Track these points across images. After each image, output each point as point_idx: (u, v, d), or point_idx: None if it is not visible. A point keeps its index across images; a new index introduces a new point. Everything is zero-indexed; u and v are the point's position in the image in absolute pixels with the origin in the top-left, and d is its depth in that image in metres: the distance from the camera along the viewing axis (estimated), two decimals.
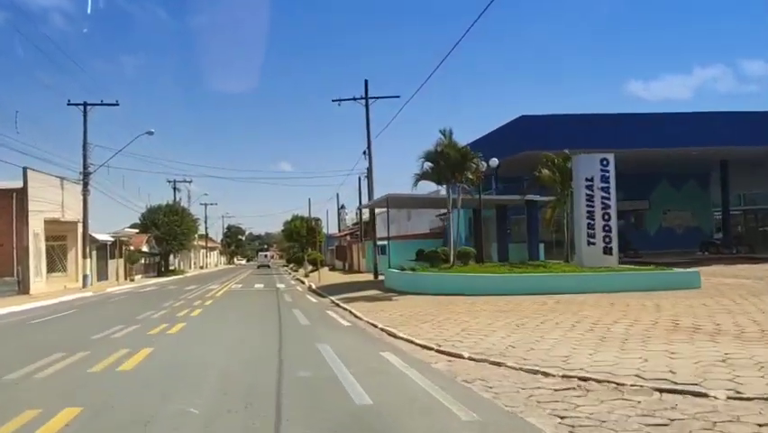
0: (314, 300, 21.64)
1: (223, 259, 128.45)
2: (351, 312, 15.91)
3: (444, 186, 25.62)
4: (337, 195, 60.65)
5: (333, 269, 51.77)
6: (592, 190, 19.31)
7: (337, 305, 18.61)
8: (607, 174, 19.38)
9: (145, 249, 59.68)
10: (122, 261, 45.50)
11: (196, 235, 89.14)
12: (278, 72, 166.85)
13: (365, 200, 37.64)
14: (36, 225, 29.39)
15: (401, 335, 10.88)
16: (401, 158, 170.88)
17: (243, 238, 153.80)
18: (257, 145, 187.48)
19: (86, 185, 33.58)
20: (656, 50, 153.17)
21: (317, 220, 32.99)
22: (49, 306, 21.93)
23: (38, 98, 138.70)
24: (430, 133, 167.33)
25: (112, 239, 41.99)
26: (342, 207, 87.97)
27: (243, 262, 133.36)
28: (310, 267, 49.85)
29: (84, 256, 33.44)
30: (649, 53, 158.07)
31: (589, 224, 19.26)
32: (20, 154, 61.46)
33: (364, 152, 31.17)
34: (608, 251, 19.23)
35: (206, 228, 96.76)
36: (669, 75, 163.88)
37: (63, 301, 24.21)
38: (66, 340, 11.92)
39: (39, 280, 29.46)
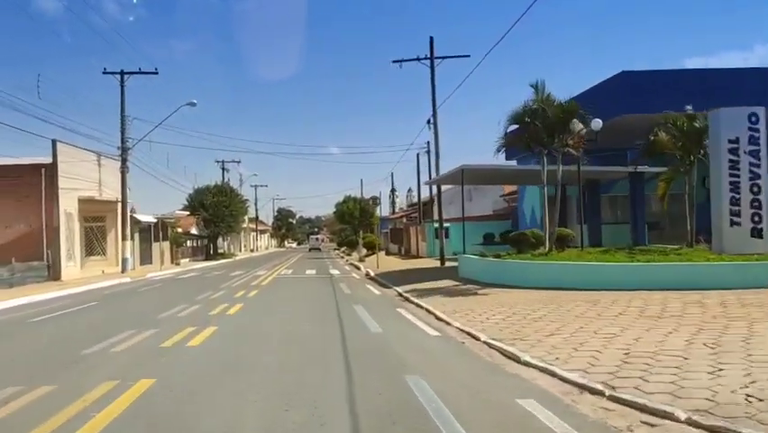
0: (376, 292, 18.02)
1: (273, 242, 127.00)
2: (430, 312, 12.19)
3: (526, 160, 21.62)
4: (391, 174, 56.91)
5: (387, 253, 48.25)
6: (737, 155, 14.89)
7: (407, 300, 14.94)
8: (756, 135, 14.92)
9: (194, 231, 57.59)
10: (167, 244, 43.10)
11: (245, 218, 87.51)
12: (326, 52, 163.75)
13: (425, 178, 33.82)
14: (69, 204, 26.75)
15: (532, 361, 7.04)
16: (459, 136, 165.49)
17: (294, 222, 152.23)
18: (305, 128, 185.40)
19: (124, 161, 30.86)
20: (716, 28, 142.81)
21: (375, 199, 29.11)
22: (67, 297, 19.03)
23: (89, 78, 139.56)
24: (491, 107, 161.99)
25: (155, 220, 39.46)
26: (393, 190, 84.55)
27: (294, 245, 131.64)
28: (365, 251, 46.48)
29: (123, 238, 30.82)
30: (709, 31, 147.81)
31: (733, 198, 14.87)
32: (70, 133, 59.93)
33: (429, 121, 27.28)
34: (756, 233, 14.83)
35: (257, 211, 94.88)
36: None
37: (90, 290, 21.36)
38: (25, 366, 8.60)
39: (71, 265, 26.88)
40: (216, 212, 51.61)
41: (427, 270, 25.11)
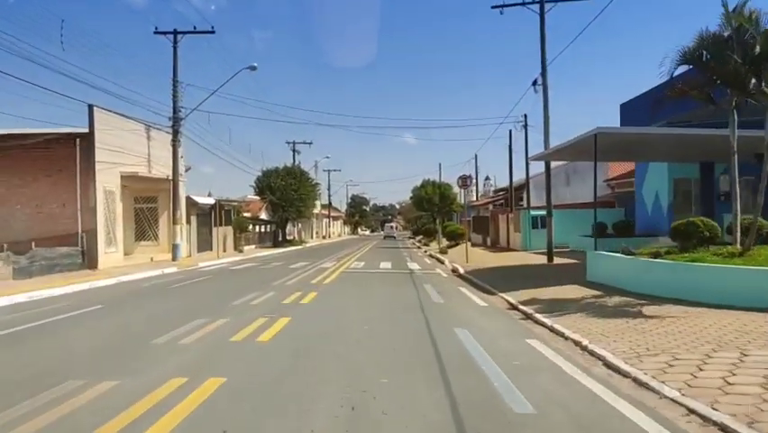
0: (478, 301, 12.92)
1: (346, 229, 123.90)
2: (594, 353, 7.07)
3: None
4: (475, 157, 51.38)
5: (471, 244, 43.07)
6: None
7: (532, 319, 9.84)
8: None
9: (264, 216, 54.34)
10: (229, 229, 39.61)
11: (317, 202, 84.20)
12: (400, 39, 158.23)
13: (517, 157, 28.39)
14: (109, 181, 23.18)
15: None
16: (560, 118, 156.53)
17: (368, 209, 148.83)
18: (380, 115, 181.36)
19: (175, 132, 27.10)
20: None
21: (467, 179, 23.70)
22: (72, 295, 15.08)
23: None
24: (597, 84, 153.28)
25: (213, 202, 35.90)
26: (486, 177, 78.43)
27: (367, 232, 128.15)
28: (445, 241, 41.43)
29: (174, 222, 27.14)
30: None
31: None
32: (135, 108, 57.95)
33: (535, 82, 21.73)
34: None
35: (329, 196, 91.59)
36: None
37: (113, 285, 17.41)
38: None
39: (112, 251, 23.34)
40: (284, 195, 47.91)
41: (532, 267, 19.83)
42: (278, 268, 23.05)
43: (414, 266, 24.08)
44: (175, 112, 26.85)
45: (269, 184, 48.49)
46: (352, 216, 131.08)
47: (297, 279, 17.87)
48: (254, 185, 49.03)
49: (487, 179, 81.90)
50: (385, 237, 79.74)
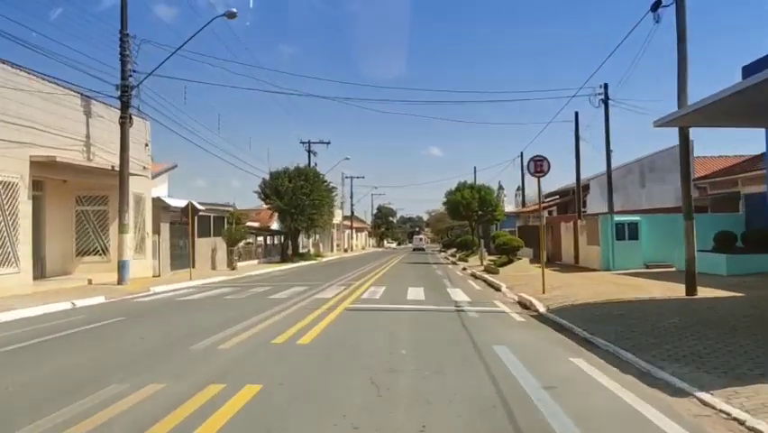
0: (661, 421, 4.82)
1: (371, 241, 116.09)
2: None
3: None
4: (520, 156, 43.13)
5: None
6: None
7: None
8: None
9: (275, 227, 46.85)
10: (220, 240, 32.04)
11: (336, 211, 76.48)
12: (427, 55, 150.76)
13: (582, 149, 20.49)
14: (4, 168, 15.68)
15: None
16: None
17: (395, 221, 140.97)
18: (407, 129, 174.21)
19: (125, 106, 19.56)
20: None
21: (542, 159, 15.47)
22: None
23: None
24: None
25: (200, 208, 28.33)
26: (501, 188, 70.79)
27: (393, 245, 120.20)
28: (488, 255, 33.31)
29: (121, 230, 19.54)
30: None
31: None
32: None
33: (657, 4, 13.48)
34: None
35: (352, 205, 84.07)
36: None
37: None
38: None
39: (9, 273, 15.75)
40: (294, 201, 40.25)
41: (674, 306, 11.55)
42: (250, 300, 15.22)
43: (459, 295, 16.03)
44: (123, 77, 19.31)
45: (275, 188, 40.95)
46: (377, 228, 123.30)
47: (256, 329, 9.81)
48: (259, 189, 41.51)
49: (519, 189, 73.57)
50: (414, 249, 79.39)
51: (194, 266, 28.16)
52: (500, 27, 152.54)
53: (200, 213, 28.99)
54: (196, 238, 28.89)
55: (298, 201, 40.31)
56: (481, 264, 31.47)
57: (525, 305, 13.45)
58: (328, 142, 52.64)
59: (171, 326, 10.79)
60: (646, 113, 73.85)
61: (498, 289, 17.98)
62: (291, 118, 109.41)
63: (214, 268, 30.83)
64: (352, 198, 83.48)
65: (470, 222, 40.25)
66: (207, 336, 9.08)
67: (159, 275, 24.14)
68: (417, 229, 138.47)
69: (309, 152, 51.83)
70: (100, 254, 21.53)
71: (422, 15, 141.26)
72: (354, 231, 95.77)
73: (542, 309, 12.17)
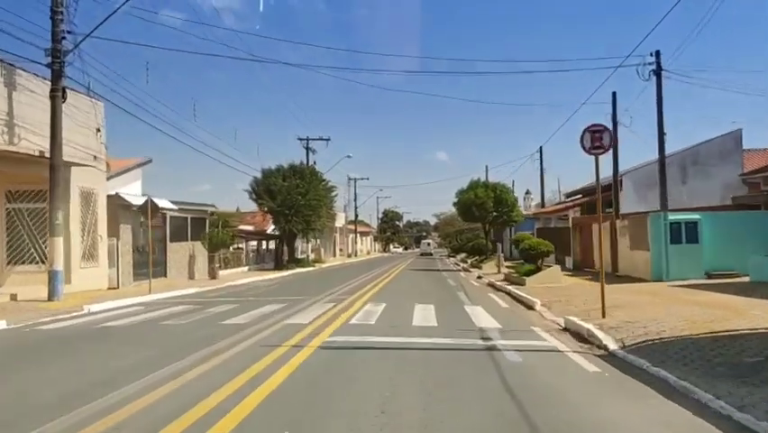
0: None
1: (377, 246, 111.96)
2: None
3: None
4: (540, 151, 39.06)
5: (514, 266, 30.62)
6: None
7: None
8: None
9: (272, 230, 42.90)
10: (198, 245, 28.04)
11: (340, 213, 72.49)
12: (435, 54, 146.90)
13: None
14: None
15: None
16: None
17: (401, 225, 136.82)
18: (413, 134, 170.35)
19: (57, 76, 15.59)
20: None
21: (603, 129, 11.57)
22: None
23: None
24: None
25: (170, 207, 24.39)
26: (528, 192, 67.00)
27: (400, 250, 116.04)
28: (505, 263, 29.25)
29: (53, 233, 15.56)
30: None
31: None
32: None
33: None
34: None
35: (356, 208, 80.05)
36: None
37: None
38: None
39: None
40: (288, 201, 36.25)
41: None
42: (195, 327, 11.15)
43: (482, 318, 11.92)
44: (55, 39, 15.36)
45: (268, 187, 36.99)
46: (383, 232, 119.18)
47: (121, 413, 5.79)
48: (250, 189, 37.55)
49: (527, 193, 69.86)
50: (422, 254, 78.62)
51: (166, 275, 24.21)
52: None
53: (173, 213, 25.05)
54: (168, 242, 24.93)
55: (293, 202, 36.30)
56: (498, 272, 27.35)
57: (580, 336, 9.36)
58: (328, 139, 48.64)
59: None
60: (692, 82, 68.79)
61: (530, 306, 13.88)
62: (291, 115, 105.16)
63: (192, 277, 26.85)
64: (356, 200, 79.66)
65: (484, 224, 36.07)
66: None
67: (117, 286, 20.17)
68: (425, 234, 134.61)
69: (307, 149, 47.88)
70: (36, 263, 17.58)
71: None
72: (359, 235, 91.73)
73: (612, 346, 8.10)
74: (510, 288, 18.50)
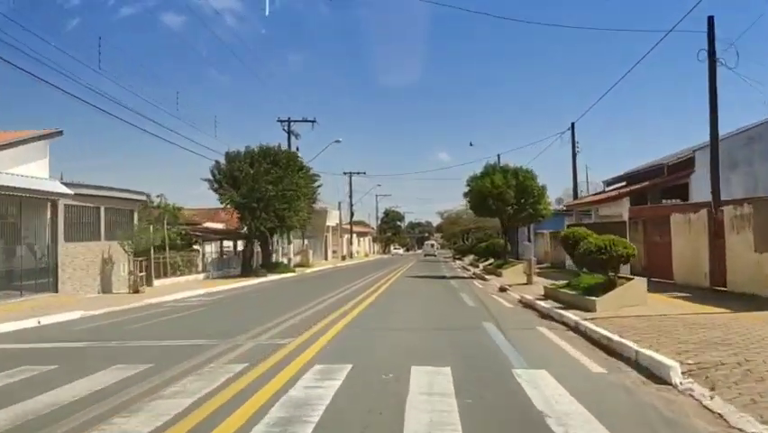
0: None
1: (376, 247, 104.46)
2: None
3: None
4: (571, 128, 31.60)
5: (546, 273, 22.93)
6: None
7: None
8: None
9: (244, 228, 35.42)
10: (118, 248, 20.59)
11: (333, 211, 65.02)
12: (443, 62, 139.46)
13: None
14: None
15: None
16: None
17: (402, 225, 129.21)
18: (419, 135, 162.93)
19: None
20: None
21: None
22: None
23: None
24: None
25: (65, 191, 17.00)
26: (544, 187, 59.04)
27: (401, 251, 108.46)
28: (535, 270, 21.78)
29: None
30: None
31: None
32: None
33: None
34: None
35: (351, 206, 72.62)
36: None
37: None
38: None
39: None
40: (255, 191, 28.88)
41: None
42: None
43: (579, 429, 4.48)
44: None
45: (231, 173, 29.61)
46: (383, 233, 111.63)
47: None
48: (211, 176, 30.11)
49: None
50: (425, 255, 75.55)
51: (57, 289, 16.77)
52: None
53: (70, 201, 17.66)
54: (61, 243, 17.50)
55: (262, 192, 28.88)
56: (528, 282, 19.96)
57: None
58: (313, 121, 41.20)
59: None
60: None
61: (663, 380, 6.41)
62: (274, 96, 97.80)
63: (107, 291, 19.46)
64: (351, 196, 72.21)
65: (503, 219, 28.57)
66: None
67: None
68: (427, 234, 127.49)
69: (289, 132, 40.49)
70: None
71: None
72: (356, 236, 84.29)
73: None
74: (570, 315, 11.07)
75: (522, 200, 27.69)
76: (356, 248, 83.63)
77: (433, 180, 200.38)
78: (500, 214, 28.34)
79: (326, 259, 60.65)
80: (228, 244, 37.84)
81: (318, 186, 34.96)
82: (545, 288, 16.05)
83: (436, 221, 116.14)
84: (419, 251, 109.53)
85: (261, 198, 29.03)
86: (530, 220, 28.70)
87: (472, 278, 28.57)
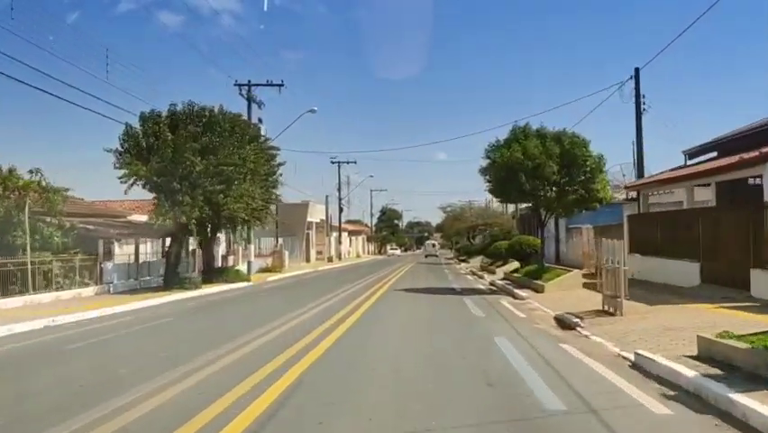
0: None
1: (371, 247, 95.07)
2: None
3: None
4: (636, 72, 21.90)
5: (590, 283, 13.59)
6: None
7: None
8: None
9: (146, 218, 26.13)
10: None
11: (318, 206, 55.36)
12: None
13: None
14: None
15: None
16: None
17: (401, 224, 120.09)
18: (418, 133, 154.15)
19: None
20: None
21: None
22: None
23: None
24: None
25: None
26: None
27: (398, 252, 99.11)
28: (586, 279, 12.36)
29: None
30: None
31: None
32: None
33: None
34: None
35: (340, 200, 63.02)
36: None
37: None
38: None
39: None
40: (175, 167, 19.68)
41: None
42: None
43: None
44: None
45: (144, 141, 20.43)
46: (378, 231, 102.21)
47: None
48: (120, 143, 20.75)
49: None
50: (426, 256, 71.33)
51: None
52: None
53: None
54: None
55: (186, 168, 19.66)
56: (612, 309, 10.84)
57: None
58: (281, 84, 32.01)
59: None
60: None
61: None
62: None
63: None
64: (339, 189, 62.80)
65: (539, 204, 19.34)
66: None
67: None
68: (426, 234, 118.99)
69: (249, 99, 31.33)
70: None
71: None
72: (347, 234, 75.05)
73: None
74: None
75: (570, 175, 18.48)
76: (347, 248, 74.35)
77: (433, 179, 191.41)
78: (536, 197, 19.10)
79: (308, 261, 51.39)
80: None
81: (279, 165, 25.63)
82: (722, 341, 6.82)
83: (436, 221, 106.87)
84: (418, 251, 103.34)
85: (185, 175, 19.82)
86: (581, 205, 19.35)
87: (494, 292, 19.40)
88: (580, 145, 18.68)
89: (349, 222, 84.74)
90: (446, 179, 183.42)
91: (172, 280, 21.31)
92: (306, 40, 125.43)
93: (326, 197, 61.02)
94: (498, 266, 30.07)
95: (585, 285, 17.30)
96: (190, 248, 26.29)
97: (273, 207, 26.53)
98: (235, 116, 23.15)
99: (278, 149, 26.30)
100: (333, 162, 62.25)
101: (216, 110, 22.26)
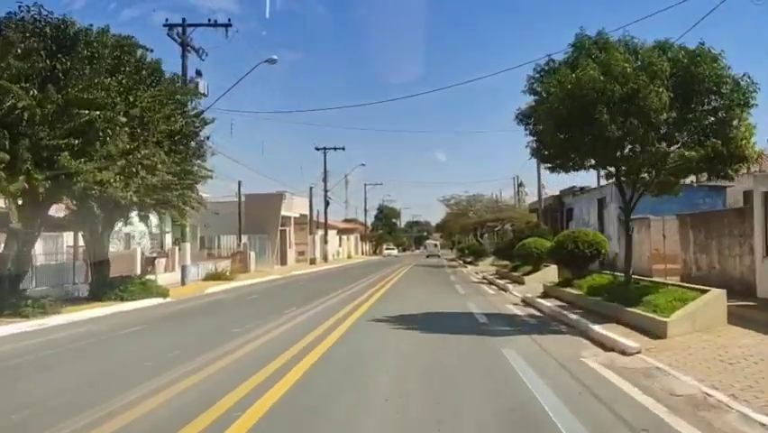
0: None
1: (365, 246, 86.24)
2: None
3: None
4: None
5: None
6: None
7: None
8: None
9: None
10: None
11: (297, 199, 45.84)
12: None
13: None
14: None
15: None
16: None
17: (399, 223, 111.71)
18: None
19: None
20: None
21: None
22: None
23: None
24: None
25: None
26: (522, 184, 49.93)
27: (395, 252, 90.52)
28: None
29: None
30: None
31: None
32: None
33: None
34: None
35: (326, 192, 54.12)
36: None
37: None
38: None
39: None
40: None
41: None
42: None
43: None
44: None
45: None
46: (374, 230, 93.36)
47: None
48: None
49: (521, 185, 51.14)
50: (428, 256, 70.06)
51: None
52: None
53: None
54: None
55: (15, 107, 11.12)
56: None
57: None
58: (228, 24, 23.52)
59: None
60: None
61: None
62: None
63: None
64: (325, 179, 54.06)
65: (631, 166, 10.62)
66: None
67: None
68: (426, 234, 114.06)
69: (183, 45, 22.83)
70: None
71: None
72: (337, 233, 66.38)
73: None
74: None
75: (691, 115, 9.95)
76: (336, 248, 65.62)
77: (433, 176, 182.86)
78: (626, 156, 10.52)
79: (284, 264, 42.68)
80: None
81: (203, 124, 16.95)
82: None
83: (435, 220, 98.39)
84: (417, 251, 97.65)
85: (14, 121, 11.31)
86: (713, 168, 10.61)
87: (545, 324, 10.81)
88: (706, 59, 10.08)
89: (346, 221, 76.32)
90: (445, 172, 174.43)
91: (4, 296, 12.77)
92: (307, 40, 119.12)
93: (310, 188, 52.40)
94: (524, 273, 21.57)
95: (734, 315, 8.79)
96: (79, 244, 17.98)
97: (199, 188, 17.79)
98: (119, 39, 14.34)
99: (203, 94, 17.70)
100: (317, 149, 53.83)
101: (96, 30, 13.63)
